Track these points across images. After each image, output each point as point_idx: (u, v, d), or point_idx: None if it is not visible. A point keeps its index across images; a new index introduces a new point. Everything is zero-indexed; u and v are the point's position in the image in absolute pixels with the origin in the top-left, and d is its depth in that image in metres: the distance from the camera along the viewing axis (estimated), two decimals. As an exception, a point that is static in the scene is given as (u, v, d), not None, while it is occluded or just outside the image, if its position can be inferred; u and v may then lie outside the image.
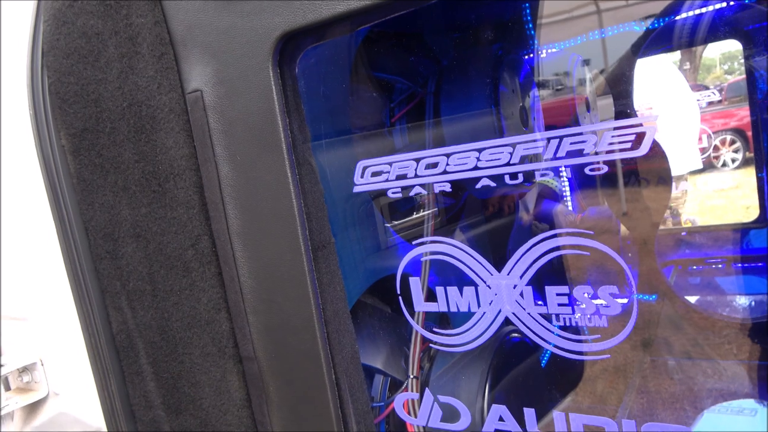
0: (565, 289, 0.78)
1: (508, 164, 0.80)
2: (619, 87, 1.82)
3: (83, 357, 1.22)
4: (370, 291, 1.48)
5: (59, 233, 1.18)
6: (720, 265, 2.07)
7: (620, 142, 0.71)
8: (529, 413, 0.86)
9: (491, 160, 0.81)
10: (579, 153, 0.74)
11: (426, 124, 1.46)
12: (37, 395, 1.24)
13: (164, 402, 1.21)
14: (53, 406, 1.26)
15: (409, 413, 1.09)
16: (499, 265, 0.93)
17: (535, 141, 0.77)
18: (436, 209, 1.61)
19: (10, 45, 1.18)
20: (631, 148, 0.71)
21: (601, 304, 0.76)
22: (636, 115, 1.87)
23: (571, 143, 0.74)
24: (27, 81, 1.14)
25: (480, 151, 0.82)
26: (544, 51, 1.72)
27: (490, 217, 1.81)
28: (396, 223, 1.64)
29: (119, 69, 1.06)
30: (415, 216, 1.63)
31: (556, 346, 0.82)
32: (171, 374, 1.19)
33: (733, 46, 1.74)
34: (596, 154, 0.73)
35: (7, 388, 1.24)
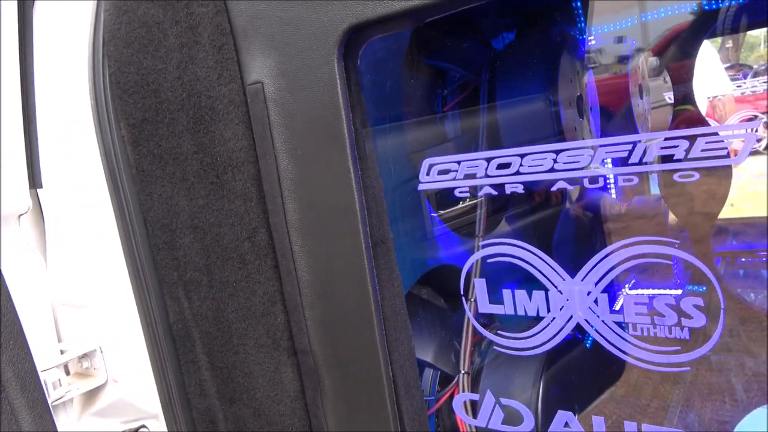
0: (644, 298, 0.75)
1: (587, 167, 0.76)
2: (677, 71, 1.74)
3: (141, 345, 1.23)
4: (418, 283, 1.47)
5: (118, 223, 1.19)
6: (768, 258, 1.99)
7: (715, 149, 0.67)
8: (597, 422, 0.84)
9: (569, 162, 0.78)
10: (668, 159, 0.70)
11: (480, 113, 1.42)
12: (97, 381, 1.26)
13: (218, 391, 1.23)
14: (112, 392, 1.29)
15: (467, 413, 1.08)
16: (546, 254, 0.90)
17: (619, 144, 0.74)
18: (483, 198, 1.58)
19: (72, 36, 1.17)
20: (727, 156, 0.67)
21: (685, 317, 0.73)
22: (695, 102, 1.79)
23: (660, 148, 0.71)
24: (88, 71, 1.14)
25: (557, 152, 0.79)
26: (598, 35, 1.66)
27: (536, 207, 1.77)
28: (443, 212, 1.61)
29: (179, 59, 1.04)
30: (462, 205, 1.61)
31: (633, 356, 0.80)
32: (225, 364, 1.20)
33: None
34: (687, 160, 0.69)
35: (67, 373, 1.26)
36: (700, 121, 1.69)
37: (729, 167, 1.61)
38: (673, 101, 1.79)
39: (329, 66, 0.93)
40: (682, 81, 1.75)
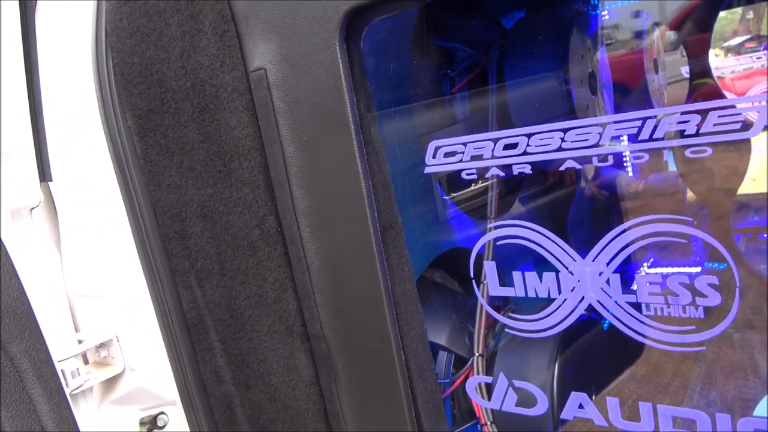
0: (657, 277, 0.73)
1: (596, 146, 0.74)
2: (694, 44, 1.69)
3: (156, 334, 1.25)
4: (431, 266, 1.46)
5: (129, 214, 1.20)
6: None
7: (728, 123, 0.65)
8: (612, 403, 0.83)
9: (578, 141, 0.76)
10: (679, 135, 0.68)
11: (490, 94, 1.39)
12: (115, 370, 1.28)
13: (234, 377, 1.24)
14: (130, 380, 1.31)
15: (481, 396, 1.07)
16: (561, 236, 0.89)
17: (627, 121, 0.72)
18: (495, 180, 1.56)
19: (75, 28, 1.17)
20: (741, 129, 0.64)
21: (699, 296, 0.71)
22: (712, 75, 1.74)
23: (670, 123, 0.68)
24: (92, 63, 1.14)
25: (565, 131, 0.77)
26: (612, 10, 1.61)
27: (550, 187, 1.74)
28: (454, 195, 1.60)
29: (182, 48, 1.04)
30: (474, 187, 1.59)
31: (647, 337, 0.78)
32: (240, 351, 1.21)
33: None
34: (698, 135, 0.67)
35: (86, 362, 1.28)
36: (719, 96, 1.64)
37: (748, 141, 1.55)
38: (689, 75, 1.74)
39: (331, 50, 0.91)
40: (700, 54, 1.70)
